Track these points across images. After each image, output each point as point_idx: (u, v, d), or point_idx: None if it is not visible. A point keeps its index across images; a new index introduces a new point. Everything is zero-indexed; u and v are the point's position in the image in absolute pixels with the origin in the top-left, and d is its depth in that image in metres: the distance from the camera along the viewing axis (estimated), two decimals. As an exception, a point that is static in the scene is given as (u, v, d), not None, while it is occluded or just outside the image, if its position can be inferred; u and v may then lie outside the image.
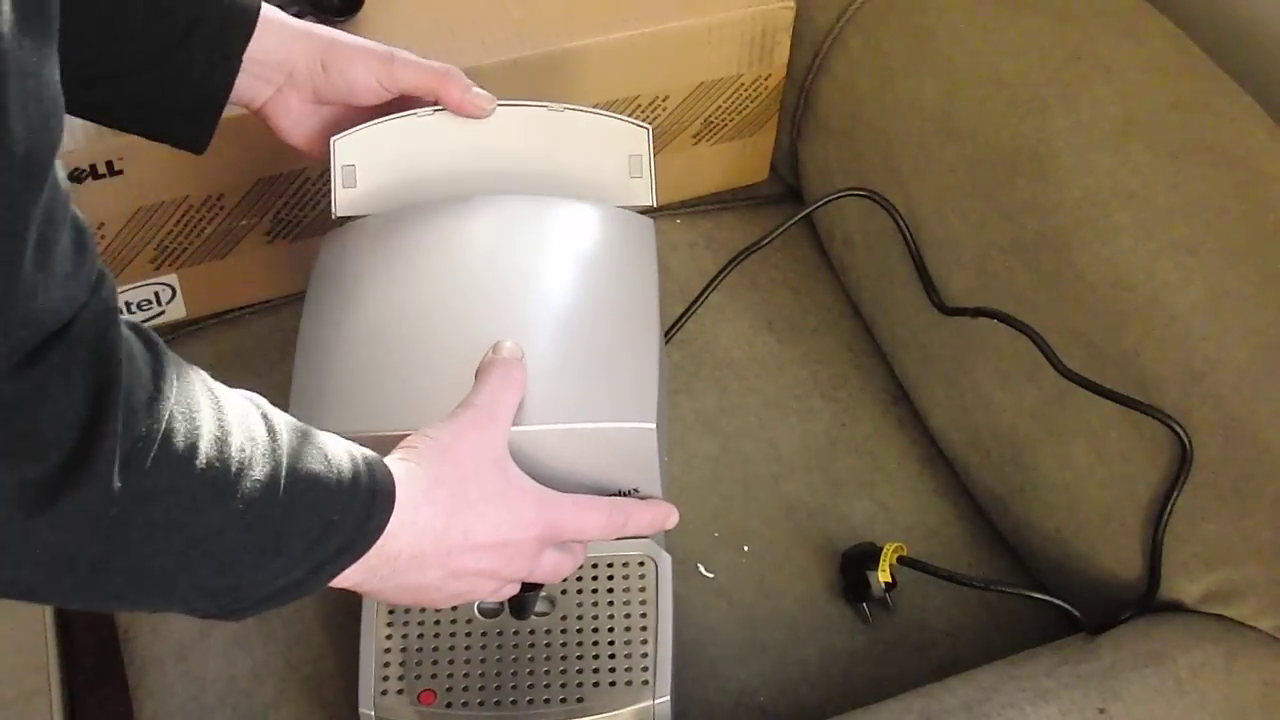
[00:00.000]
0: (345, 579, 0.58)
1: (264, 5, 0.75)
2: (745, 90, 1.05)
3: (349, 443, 0.58)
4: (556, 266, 0.74)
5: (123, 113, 0.75)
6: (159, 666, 0.87)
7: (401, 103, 0.79)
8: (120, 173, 0.89)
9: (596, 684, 0.74)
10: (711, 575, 0.90)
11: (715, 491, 0.94)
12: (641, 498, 0.71)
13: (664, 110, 1.02)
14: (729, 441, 0.97)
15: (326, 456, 0.55)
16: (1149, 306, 0.81)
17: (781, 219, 1.00)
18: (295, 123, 0.80)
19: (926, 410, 0.98)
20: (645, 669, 0.75)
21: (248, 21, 0.73)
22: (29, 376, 0.42)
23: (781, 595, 0.89)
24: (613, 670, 0.75)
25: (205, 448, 0.49)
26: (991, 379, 0.90)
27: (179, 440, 0.48)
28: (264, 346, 1.02)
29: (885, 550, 0.86)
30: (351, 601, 0.88)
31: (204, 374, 0.52)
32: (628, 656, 0.75)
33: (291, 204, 0.98)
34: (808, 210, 1.01)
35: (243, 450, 0.50)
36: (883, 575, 0.85)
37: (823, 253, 1.10)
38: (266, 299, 1.05)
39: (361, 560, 0.57)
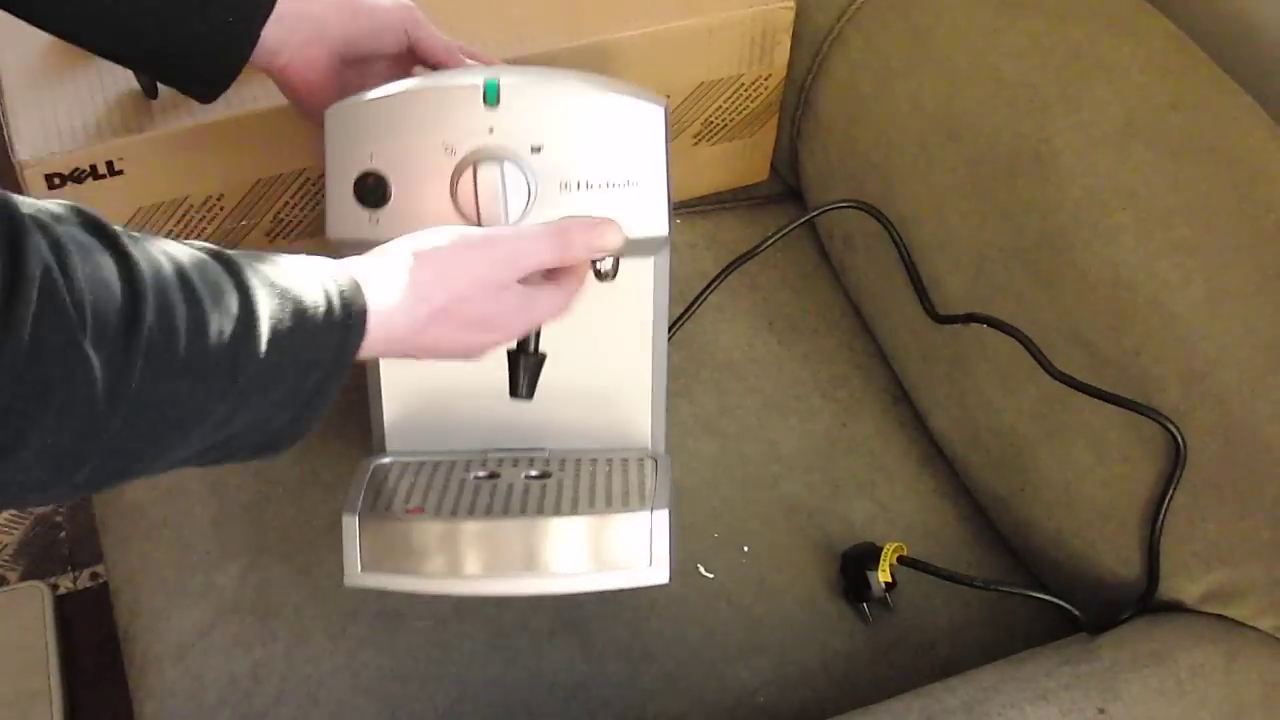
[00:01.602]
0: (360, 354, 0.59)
1: None
2: (745, 90, 1.05)
3: (315, 267, 0.57)
4: None
5: (138, 55, 0.75)
6: (159, 666, 0.87)
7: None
8: (120, 173, 0.89)
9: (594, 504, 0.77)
10: (711, 575, 0.90)
11: (715, 492, 0.94)
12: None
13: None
14: (729, 442, 0.97)
15: (300, 301, 0.55)
16: (1149, 306, 0.81)
17: (781, 219, 1.00)
18: (314, 87, 0.79)
19: (926, 410, 0.98)
20: (644, 495, 0.77)
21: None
22: None
23: (781, 595, 0.89)
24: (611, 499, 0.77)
25: (185, 346, 0.49)
26: (991, 379, 0.90)
27: (160, 351, 0.48)
28: (264, 346, 1.02)
29: (885, 550, 0.86)
30: (351, 601, 0.88)
31: (164, 245, 0.52)
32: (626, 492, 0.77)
33: (291, 204, 0.98)
34: (804, 219, 1.01)
35: (221, 333, 0.51)
36: (883, 575, 0.86)
37: (823, 253, 1.10)
38: (266, 299, 1.05)
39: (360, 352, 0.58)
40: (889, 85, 0.99)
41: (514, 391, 0.74)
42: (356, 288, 0.58)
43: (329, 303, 0.56)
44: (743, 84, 1.04)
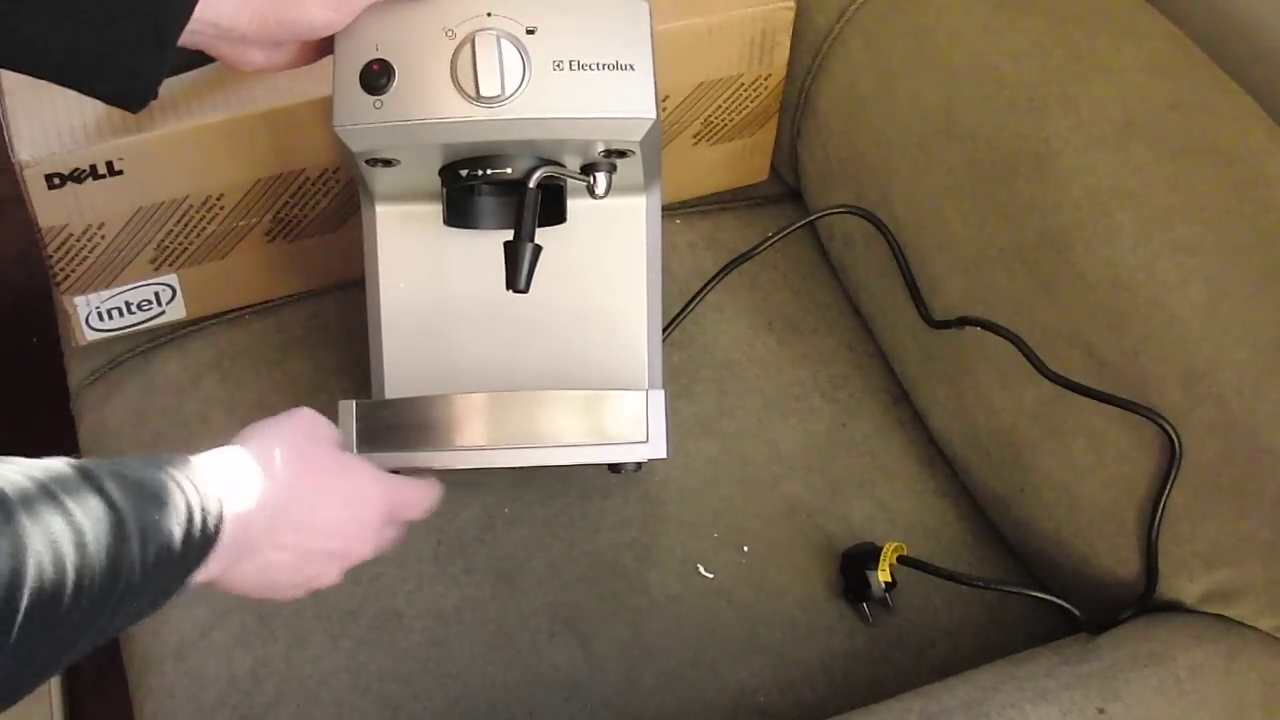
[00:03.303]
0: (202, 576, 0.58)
1: None
2: (745, 90, 1.05)
3: (181, 491, 0.55)
4: None
5: (51, 74, 0.73)
6: (159, 666, 0.87)
7: None
8: (120, 173, 0.89)
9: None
10: (711, 575, 0.90)
11: (715, 492, 0.94)
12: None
13: (664, 110, 1.02)
14: (729, 442, 0.97)
15: (167, 524, 0.53)
16: (1149, 306, 0.81)
17: (781, 219, 1.00)
18: (263, 65, 0.77)
19: (926, 410, 0.98)
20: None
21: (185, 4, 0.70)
22: None
23: (781, 595, 0.89)
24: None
25: (68, 598, 0.47)
26: (991, 379, 0.90)
27: (42, 605, 0.46)
28: (264, 346, 1.02)
29: (885, 550, 0.86)
30: (351, 601, 0.88)
31: (37, 485, 0.49)
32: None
33: (291, 204, 0.98)
34: (802, 223, 1.02)
35: (101, 573, 0.49)
36: (883, 575, 0.86)
37: (823, 253, 1.10)
38: (266, 299, 1.05)
39: (214, 559, 0.57)
40: (889, 85, 0.99)
41: (512, 283, 0.76)
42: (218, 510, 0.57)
43: (190, 520, 0.55)
44: (743, 84, 1.04)
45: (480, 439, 0.80)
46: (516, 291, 0.76)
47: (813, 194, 1.10)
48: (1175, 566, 0.80)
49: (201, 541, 0.55)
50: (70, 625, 0.48)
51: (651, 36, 0.74)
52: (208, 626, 0.87)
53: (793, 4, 1.01)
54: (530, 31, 0.72)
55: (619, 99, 0.73)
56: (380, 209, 0.85)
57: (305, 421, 0.67)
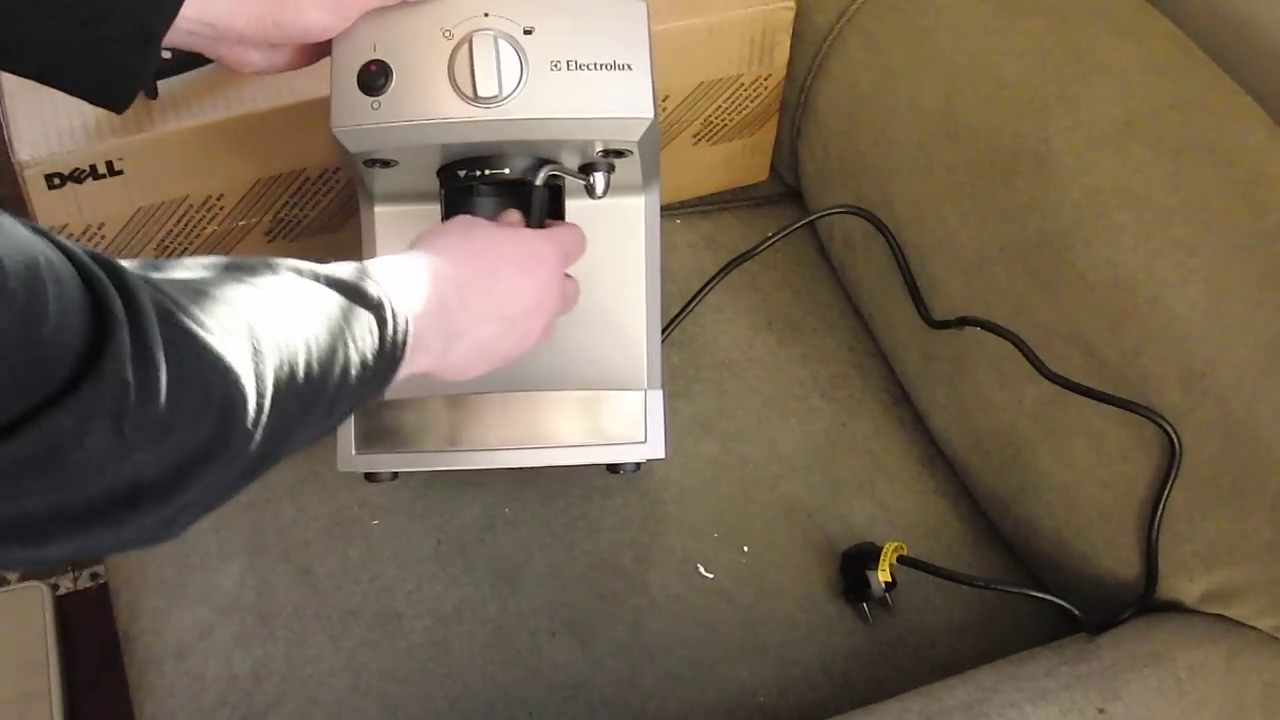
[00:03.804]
0: (414, 367, 0.62)
1: None
2: (745, 90, 1.05)
3: (351, 274, 0.59)
4: None
5: (34, 73, 0.73)
6: (159, 666, 0.87)
7: None
8: (120, 173, 0.89)
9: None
10: (711, 575, 0.90)
11: (715, 492, 0.94)
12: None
13: (664, 110, 1.02)
14: (729, 442, 0.97)
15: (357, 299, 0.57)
16: (1149, 306, 0.81)
17: (781, 219, 1.00)
18: (262, 67, 0.77)
19: (926, 410, 0.98)
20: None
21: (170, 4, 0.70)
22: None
23: (781, 595, 0.89)
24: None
25: (301, 379, 0.51)
26: (991, 379, 0.90)
27: (278, 387, 0.50)
28: (264, 346, 1.02)
29: (885, 550, 0.86)
30: (351, 601, 0.88)
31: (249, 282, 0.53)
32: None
33: (291, 204, 0.98)
34: (802, 223, 1.01)
35: (325, 358, 0.53)
36: (883, 575, 0.86)
37: (823, 252, 1.10)
38: (266, 299, 1.05)
39: (419, 345, 0.61)
40: (889, 85, 0.99)
41: (531, 224, 0.78)
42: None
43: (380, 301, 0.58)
44: (742, 84, 1.04)
45: (479, 440, 0.80)
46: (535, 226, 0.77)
47: (813, 194, 1.10)
48: (1175, 566, 0.80)
49: (394, 336, 0.59)
50: (302, 400, 0.52)
51: (649, 36, 0.74)
52: (208, 626, 0.87)
53: (793, 4, 1.01)
54: (528, 32, 0.73)
55: (617, 99, 0.73)
56: (379, 209, 0.85)
57: (460, 220, 0.72)
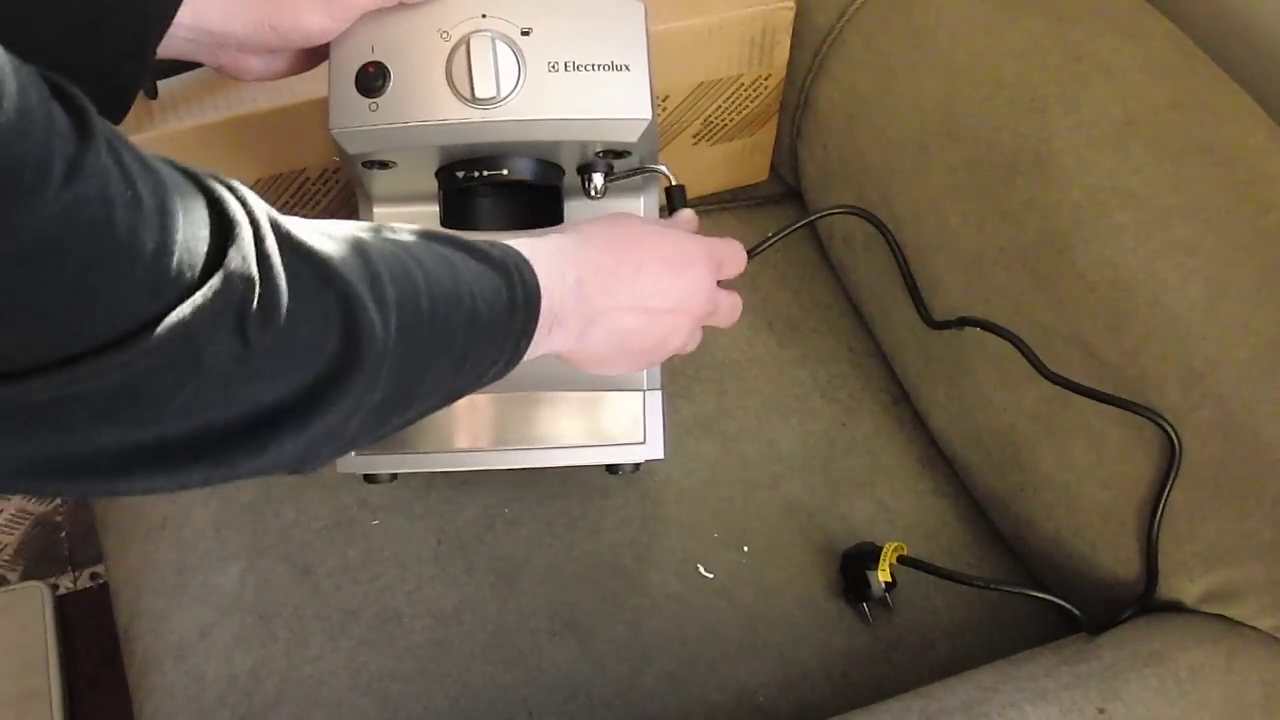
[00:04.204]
0: (551, 343, 0.63)
1: None
2: (745, 90, 1.05)
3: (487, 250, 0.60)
4: None
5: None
6: (159, 666, 0.87)
7: None
8: (120, 173, 0.89)
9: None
10: (711, 575, 0.90)
11: (715, 493, 0.94)
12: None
13: (664, 110, 1.02)
14: (729, 443, 0.97)
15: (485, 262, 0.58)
16: (1149, 306, 0.81)
17: (781, 219, 1.00)
18: (261, 73, 0.77)
19: (926, 410, 0.98)
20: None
21: (165, 12, 0.70)
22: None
23: (781, 595, 0.89)
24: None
25: (426, 305, 0.52)
26: (991, 379, 0.90)
27: (408, 308, 0.50)
28: (264, 346, 1.02)
29: (885, 550, 0.86)
30: (351, 601, 0.88)
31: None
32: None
33: (291, 204, 0.98)
34: (802, 223, 1.01)
35: (447, 295, 0.53)
36: (883, 575, 0.86)
37: (823, 252, 1.10)
38: (266, 299, 1.05)
39: (554, 321, 0.61)
40: (889, 85, 0.99)
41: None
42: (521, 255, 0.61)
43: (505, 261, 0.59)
44: (742, 84, 1.04)
45: (479, 440, 0.81)
46: None
47: (813, 194, 1.10)
48: (1175, 566, 0.80)
49: (525, 299, 0.59)
50: (426, 343, 0.52)
51: (647, 36, 0.74)
52: (208, 626, 0.87)
53: (793, 4, 1.01)
54: (525, 33, 0.73)
55: (615, 100, 0.73)
56: (378, 210, 0.85)
57: (614, 214, 0.72)
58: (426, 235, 0.56)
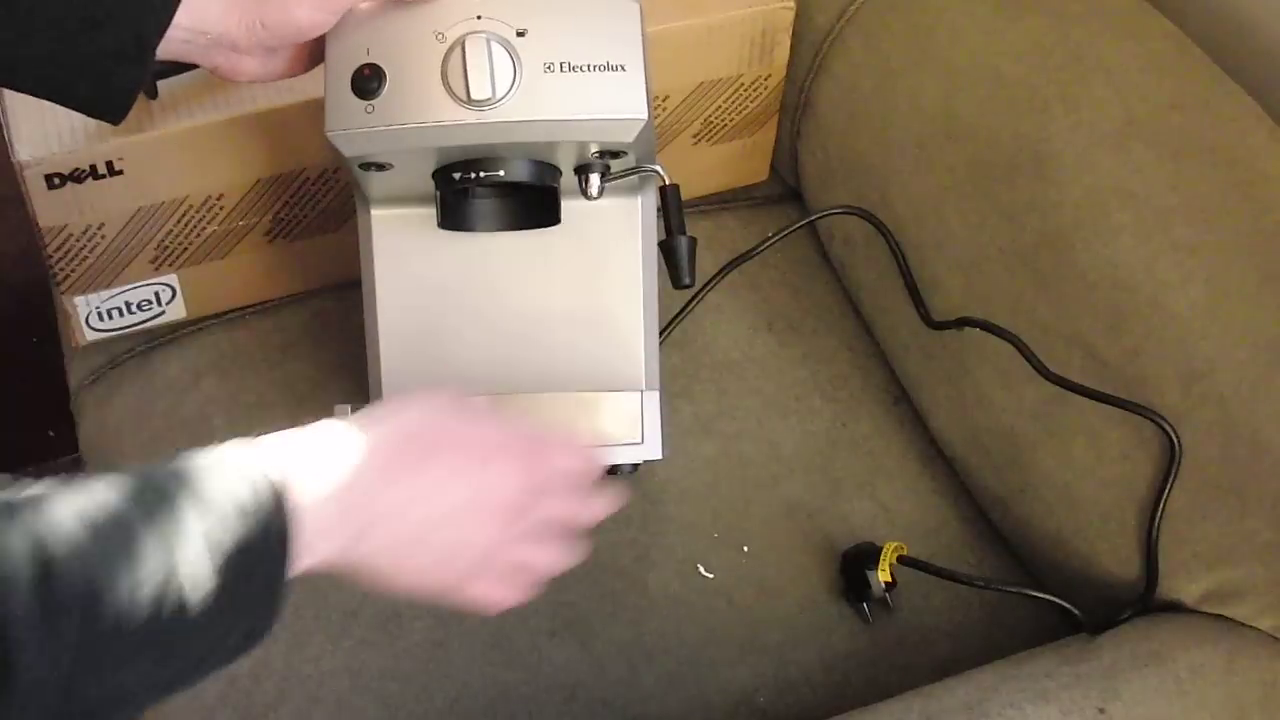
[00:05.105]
0: (314, 556, 0.55)
1: None
2: (745, 90, 1.05)
3: (233, 480, 0.52)
4: None
5: (28, 86, 0.72)
6: (159, 667, 0.87)
7: None
8: (120, 173, 0.89)
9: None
10: (711, 575, 0.90)
11: (715, 493, 0.94)
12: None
13: (664, 110, 1.02)
14: (728, 443, 0.97)
15: (220, 529, 0.50)
16: (1149, 306, 0.81)
17: (781, 219, 1.00)
18: (258, 74, 0.77)
19: (927, 410, 0.98)
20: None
21: (163, 12, 0.69)
22: None
23: (781, 595, 0.89)
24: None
25: (126, 616, 0.46)
26: (991, 379, 0.90)
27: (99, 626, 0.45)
28: (264, 346, 1.02)
29: (885, 550, 0.86)
30: (351, 602, 0.88)
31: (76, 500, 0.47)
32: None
33: (291, 204, 0.98)
34: (802, 223, 1.02)
35: (157, 594, 0.48)
36: (883, 575, 0.86)
37: (823, 252, 1.09)
38: (266, 299, 1.05)
39: (316, 534, 0.54)
40: (889, 85, 0.99)
41: (678, 280, 0.77)
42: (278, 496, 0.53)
43: (256, 508, 0.51)
44: (742, 84, 1.04)
45: None
46: (684, 287, 0.78)
47: (813, 194, 1.10)
48: (1175, 566, 0.80)
49: (268, 525, 0.52)
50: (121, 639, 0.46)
51: (643, 36, 0.74)
52: (208, 626, 0.87)
53: (793, 4, 1.01)
54: (520, 34, 0.72)
55: (610, 100, 0.73)
56: (375, 212, 0.85)
57: (417, 398, 0.63)
58: (150, 502, 0.48)
